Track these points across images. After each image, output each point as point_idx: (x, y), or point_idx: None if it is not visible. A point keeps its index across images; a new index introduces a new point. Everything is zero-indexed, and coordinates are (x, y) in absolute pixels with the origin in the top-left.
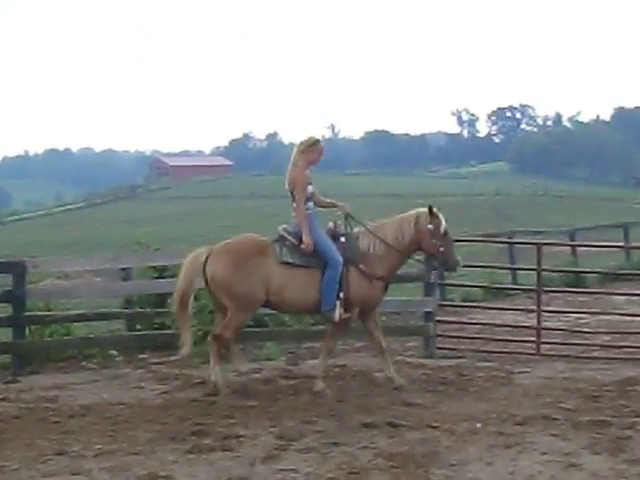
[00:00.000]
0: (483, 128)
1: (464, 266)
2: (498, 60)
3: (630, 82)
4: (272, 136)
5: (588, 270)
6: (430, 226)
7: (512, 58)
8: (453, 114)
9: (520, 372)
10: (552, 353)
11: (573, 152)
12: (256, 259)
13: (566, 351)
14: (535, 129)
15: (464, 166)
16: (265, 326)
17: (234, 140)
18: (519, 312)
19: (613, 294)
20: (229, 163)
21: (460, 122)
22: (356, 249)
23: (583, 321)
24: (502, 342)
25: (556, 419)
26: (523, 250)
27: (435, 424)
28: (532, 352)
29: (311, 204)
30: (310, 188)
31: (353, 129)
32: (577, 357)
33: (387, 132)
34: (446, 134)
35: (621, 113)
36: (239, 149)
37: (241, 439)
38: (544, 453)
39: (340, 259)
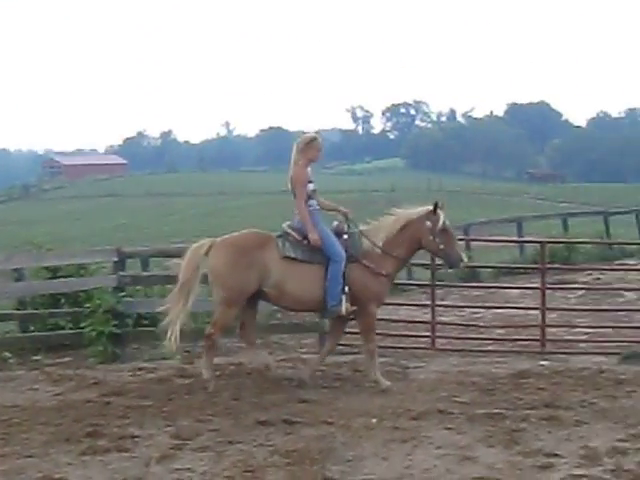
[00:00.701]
0: (378, 124)
1: None
2: (392, 56)
3: (523, 77)
4: (166, 134)
5: (482, 265)
6: (428, 223)
7: (406, 54)
8: (348, 110)
9: (415, 367)
10: (447, 347)
11: (467, 147)
12: (256, 252)
13: (461, 345)
14: (429, 125)
15: (359, 162)
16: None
17: (128, 138)
18: (415, 307)
19: (507, 288)
20: (123, 162)
21: (355, 119)
22: (359, 247)
23: (478, 315)
24: (398, 337)
25: (451, 413)
26: None
27: (331, 420)
28: (427, 347)
29: (314, 202)
30: (311, 186)
31: (248, 127)
32: (472, 351)
33: (282, 129)
34: (341, 130)
35: (514, 108)
36: (133, 147)
37: (136, 439)
38: (439, 447)
39: (343, 254)
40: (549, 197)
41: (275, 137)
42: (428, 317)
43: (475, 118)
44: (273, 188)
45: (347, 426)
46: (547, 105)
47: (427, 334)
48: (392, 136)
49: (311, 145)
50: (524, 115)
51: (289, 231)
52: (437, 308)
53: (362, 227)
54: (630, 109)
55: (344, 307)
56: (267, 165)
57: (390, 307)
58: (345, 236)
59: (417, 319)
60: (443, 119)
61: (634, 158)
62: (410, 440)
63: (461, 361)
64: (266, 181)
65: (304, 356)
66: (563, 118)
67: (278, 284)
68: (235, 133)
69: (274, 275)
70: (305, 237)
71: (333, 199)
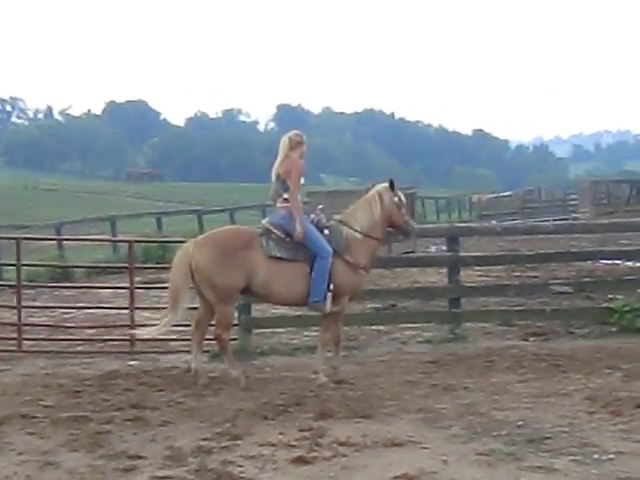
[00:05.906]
0: None
1: None
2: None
3: (121, 76)
4: None
5: (74, 264)
6: (395, 199)
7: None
8: None
9: (1, 370)
10: (35, 349)
11: (65, 145)
12: (242, 252)
13: (50, 347)
14: (26, 122)
15: None
16: None
17: None
18: (4, 309)
19: (99, 288)
20: None
21: None
22: (340, 239)
23: (69, 315)
24: None
25: (35, 417)
26: (11, 245)
27: None
28: (14, 349)
29: (300, 196)
30: (302, 180)
31: None
32: (60, 352)
33: None
34: None
35: (113, 107)
36: None
37: None
38: (21, 453)
39: (330, 249)
40: (147, 196)
41: None
42: (16, 319)
43: (73, 116)
44: None
45: None
46: (145, 104)
47: (14, 336)
48: None
49: (302, 143)
50: (123, 113)
51: (271, 228)
52: (27, 309)
53: (340, 215)
54: (227, 110)
55: (328, 304)
56: None
57: None
58: (326, 231)
59: (5, 320)
60: (40, 116)
61: (230, 157)
62: None
63: (49, 363)
64: None
65: None
66: (162, 117)
67: (265, 284)
68: None
69: (260, 275)
70: (288, 234)
71: None
